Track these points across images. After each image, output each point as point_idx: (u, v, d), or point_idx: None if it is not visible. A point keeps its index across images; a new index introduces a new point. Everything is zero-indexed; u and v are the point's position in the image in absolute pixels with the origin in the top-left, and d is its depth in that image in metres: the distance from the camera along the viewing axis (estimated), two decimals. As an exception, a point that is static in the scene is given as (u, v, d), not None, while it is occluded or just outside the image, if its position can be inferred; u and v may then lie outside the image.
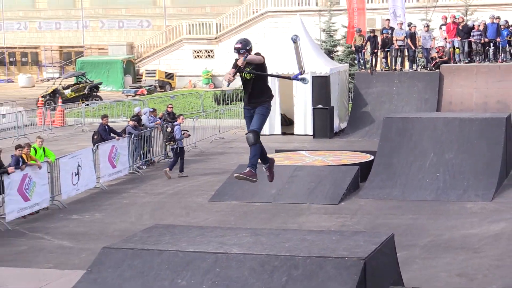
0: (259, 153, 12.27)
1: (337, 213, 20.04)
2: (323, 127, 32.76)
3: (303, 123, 33.88)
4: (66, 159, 23.19)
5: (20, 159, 20.88)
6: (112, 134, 26.63)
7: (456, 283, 14.50)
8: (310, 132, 33.29)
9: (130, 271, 11.36)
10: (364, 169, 23.11)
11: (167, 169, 25.68)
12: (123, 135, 26.88)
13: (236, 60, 11.77)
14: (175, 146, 25.89)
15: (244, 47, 11.80)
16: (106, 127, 26.84)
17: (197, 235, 12.67)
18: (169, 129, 26.74)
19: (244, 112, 12.65)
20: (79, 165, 23.44)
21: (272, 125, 33.65)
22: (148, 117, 29.20)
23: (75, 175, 23.19)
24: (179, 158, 25.83)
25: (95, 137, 26.55)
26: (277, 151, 27.02)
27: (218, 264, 11.25)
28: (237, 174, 12.22)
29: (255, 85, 12.24)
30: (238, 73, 11.89)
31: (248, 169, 11.99)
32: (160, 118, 29.99)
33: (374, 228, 17.21)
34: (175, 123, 26.57)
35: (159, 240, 12.26)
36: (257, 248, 11.64)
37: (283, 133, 34.27)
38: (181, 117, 27.15)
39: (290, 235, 12.78)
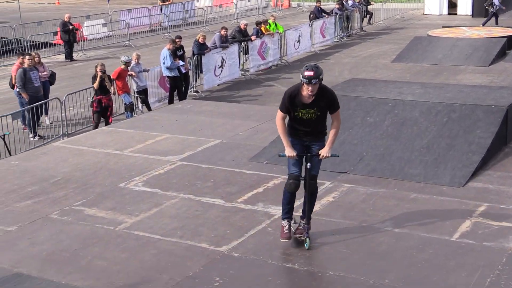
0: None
1: (487, 73, 19.11)
2: (480, 8, 31.12)
3: (465, 5, 32.33)
4: (291, 31, 23.20)
5: (259, 31, 21.12)
6: (323, 14, 26.43)
7: None
8: (470, 12, 31.77)
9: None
10: (511, 41, 21.87)
11: None
12: (331, 15, 26.58)
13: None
14: None
15: (318, 76, 7.02)
16: (319, 8, 26.69)
17: (382, 86, 12.47)
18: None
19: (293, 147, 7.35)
20: (299, 36, 23.41)
21: (441, 7, 32.55)
22: (349, 1, 28.76)
23: (297, 42, 23.20)
24: None
25: (311, 15, 26.48)
26: (444, 26, 26.06)
27: (397, 107, 11.06)
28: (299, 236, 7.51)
29: (315, 123, 7.38)
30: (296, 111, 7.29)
31: (307, 226, 7.49)
32: (358, 3, 29.41)
33: (516, 84, 16.29)
34: None
35: (354, 89, 12.15)
36: (426, 97, 11.34)
37: (449, 14, 32.86)
38: None
39: (450, 88, 12.37)
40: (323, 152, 7.29)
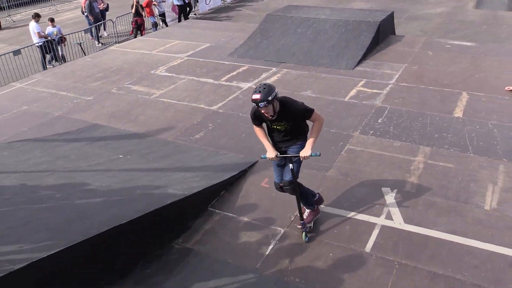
0: (307, 194, 4.71)
1: (369, 2, 18.44)
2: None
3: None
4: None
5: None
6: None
7: (419, 34, 13.46)
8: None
9: (276, 29, 10.97)
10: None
11: None
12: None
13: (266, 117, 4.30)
14: None
15: (265, 99, 4.06)
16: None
17: (306, 10, 12.04)
18: None
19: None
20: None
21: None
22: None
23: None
24: None
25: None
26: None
27: (315, 23, 10.76)
28: (304, 227, 4.66)
29: (290, 132, 4.45)
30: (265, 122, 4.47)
31: (308, 211, 4.79)
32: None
33: (386, 7, 15.88)
34: None
35: (290, 12, 11.74)
36: (332, 16, 10.95)
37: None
38: None
39: (347, 11, 11.93)
40: (303, 153, 4.30)
